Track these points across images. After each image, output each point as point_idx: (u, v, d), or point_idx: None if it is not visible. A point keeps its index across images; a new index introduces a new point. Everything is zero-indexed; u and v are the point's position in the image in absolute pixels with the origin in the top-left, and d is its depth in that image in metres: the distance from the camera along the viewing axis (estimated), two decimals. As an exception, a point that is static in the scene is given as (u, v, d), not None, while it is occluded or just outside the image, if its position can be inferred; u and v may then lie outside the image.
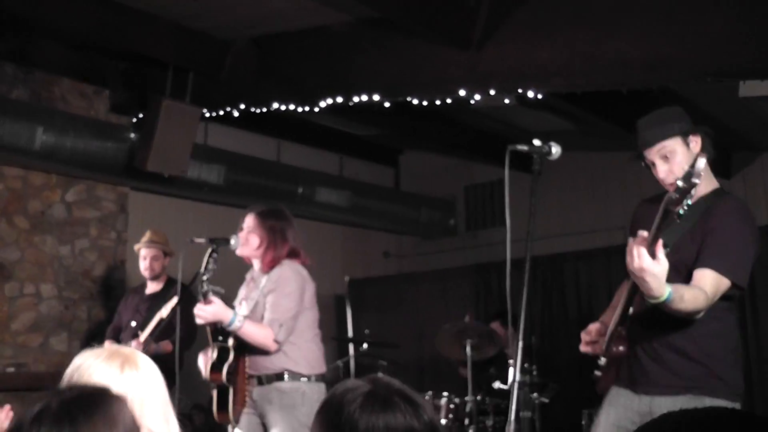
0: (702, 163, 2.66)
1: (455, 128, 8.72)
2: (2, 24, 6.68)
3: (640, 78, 5.35)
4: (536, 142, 3.31)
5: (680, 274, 3.22)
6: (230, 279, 4.90)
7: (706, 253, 3.21)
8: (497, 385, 6.38)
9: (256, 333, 4.42)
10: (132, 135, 7.19)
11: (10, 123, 6.48)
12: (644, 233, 2.91)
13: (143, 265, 6.53)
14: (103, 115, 7.72)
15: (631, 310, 3.26)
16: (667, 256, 2.90)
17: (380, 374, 1.75)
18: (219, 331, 4.48)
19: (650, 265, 2.85)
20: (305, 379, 4.52)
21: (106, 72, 7.66)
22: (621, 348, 3.35)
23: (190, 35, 6.56)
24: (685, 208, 2.70)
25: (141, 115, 7.26)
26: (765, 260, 7.35)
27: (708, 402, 3.14)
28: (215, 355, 4.47)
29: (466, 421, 6.56)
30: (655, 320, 3.27)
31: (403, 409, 1.59)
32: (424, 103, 6.56)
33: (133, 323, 6.27)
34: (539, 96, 5.96)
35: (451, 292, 9.62)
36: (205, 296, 4.34)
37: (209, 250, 4.53)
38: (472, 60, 5.81)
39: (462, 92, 5.96)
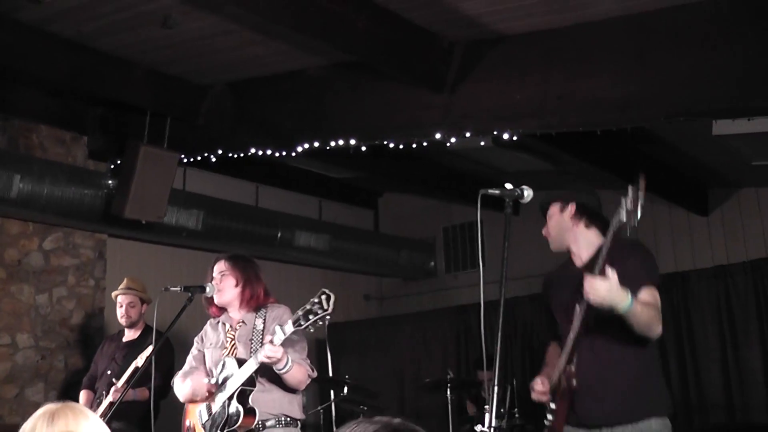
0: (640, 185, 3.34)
1: (433, 170, 8.76)
2: (-22, 72, 6.69)
3: (613, 118, 5.39)
4: (508, 186, 3.36)
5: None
6: (201, 325, 4.88)
7: (628, 280, 3.54)
8: (478, 429, 6.33)
9: (298, 372, 4.38)
10: (110, 181, 7.18)
11: (-13, 171, 6.46)
12: (587, 278, 3.47)
13: (119, 312, 6.47)
14: (81, 161, 7.70)
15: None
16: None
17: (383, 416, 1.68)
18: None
19: (603, 283, 3.41)
20: (294, 424, 4.49)
21: (83, 118, 7.66)
22: (574, 382, 3.67)
23: (167, 81, 6.58)
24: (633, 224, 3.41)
25: (119, 161, 7.24)
26: (745, 296, 7.48)
27: (646, 424, 3.62)
28: (235, 399, 4.38)
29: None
30: (596, 358, 3.70)
31: None
32: (401, 146, 6.58)
33: (109, 372, 6.19)
34: (514, 137, 5.99)
35: (431, 334, 9.59)
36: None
37: (187, 299, 4.53)
38: (446, 102, 5.84)
39: (437, 135, 5.99)
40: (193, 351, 4.80)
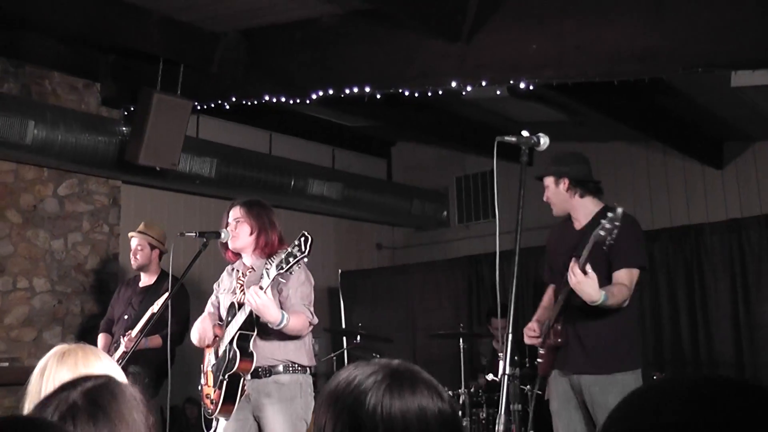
0: (619, 212, 3.80)
1: (447, 119, 8.71)
2: (-8, 18, 6.66)
3: (631, 69, 5.34)
4: (524, 134, 3.36)
5: (601, 274, 4.08)
6: (218, 274, 4.91)
7: (616, 258, 4.21)
8: (490, 377, 6.40)
9: (296, 322, 4.39)
10: (123, 128, 7.19)
11: (2, 117, 6.48)
12: (576, 260, 3.94)
13: (130, 254, 6.51)
14: (94, 108, 7.70)
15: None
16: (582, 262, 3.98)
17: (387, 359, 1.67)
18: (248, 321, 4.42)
19: (583, 279, 3.92)
20: (302, 370, 4.52)
21: (96, 65, 7.64)
22: (559, 340, 4.32)
23: (180, 28, 6.54)
24: (608, 242, 3.86)
25: (132, 109, 7.23)
26: (759, 250, 7.46)
27: (617, 377, 4.17)
28: (234, 343, 4.42)
29: (460, 414, 6.57)
30: (579, 319, 4.25)
31: (428, 391, 1.55)
32: (416, 94, 6.54)
33: (126, 316, 6.25)
34: (530, 87, 5.95)
35: (443, 283, 9.62)
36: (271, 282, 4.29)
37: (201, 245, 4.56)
38: (462, 52, 5.79)
39: (453, 84, 5.95)
40: (212, 297, 4.86)
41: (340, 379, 1.60)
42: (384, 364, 1.60)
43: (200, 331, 4.70)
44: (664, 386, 1.12)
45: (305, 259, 4.19)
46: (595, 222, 4.16)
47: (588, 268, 3.92)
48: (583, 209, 4.46)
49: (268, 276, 4.25)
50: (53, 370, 2.13)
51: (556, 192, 4.49)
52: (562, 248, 4.47)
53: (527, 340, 4.55)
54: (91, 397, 1.69)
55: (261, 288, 4.24)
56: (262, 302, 4.22)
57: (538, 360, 4.56)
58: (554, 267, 4.56)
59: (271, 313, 4.26)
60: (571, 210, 4.51)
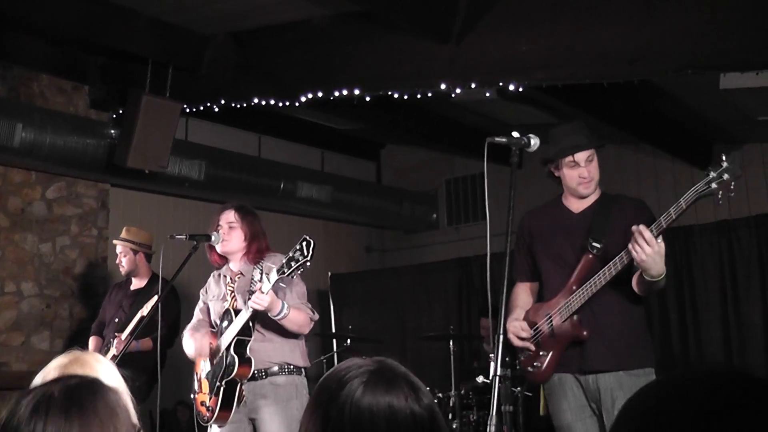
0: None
1: (436, 122, 8.71)
2: (-21, 20, 6.63)
3: (620, 71, 5.35)
4: (515, 134, 3.35)
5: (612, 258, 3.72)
6: (206, 275, 4.90)
7: None
8: (480, 379, 6.39)
9: (298, 316, 4.43)
10: (112, 131, 7.16)
11: (-11, 120, 6.44)
12: (642, 228, 3.46)
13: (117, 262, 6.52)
14: (83, 111, 7.68)
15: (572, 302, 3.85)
16: (602, 248, 3.77)
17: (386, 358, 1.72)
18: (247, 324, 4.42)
19: (659, 249, 3.47)
20: (297, 372, 4.54)
21: (85, 67, 7.61)
22: (585, 333, 3.82)
23: (169, 30, 6.52)
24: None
25: (121, 111, 7.21)
26: (748, 251, 7.48)
27: (637, 372, 3.78)
28: (232, 349, 4.41)
29: (450, 416, 6.56)
30: (600, 312, 3.84)
31: (405, 391, 1.58)
32: (405, 96, 6.54)
33: (116, 319, 6.24)
34: (520, 89, 5.95)
35: (433, 286, 9.62)
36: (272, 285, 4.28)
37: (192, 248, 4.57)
38: (452, 53, 5.79)
39: (443, 86, 5.95)
40: (200, 304, 4.85)
41: (329, 372, 1.66)
42: (371, 362, 1.64)
43: (195, 347, 4.68)
44: (669, 385, 1.12)
45: (308, 264, 4.20)
46: (603, 206, 3.95)
47: (660, 239, 3.52)
48: (594, 192, 4.07)
49: (269, 280, 4.27)
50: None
51: (597, 167, 4.02)
52: (561, 234, 4.03)
53: (517, 341, 4.03)
54: (69, 392, 1.69)
55: (262, 292, 4.25)
56: (268, 304, 4.25)
57: (536, 364, 4.00)
58: (543, 257, 4.11)
59: (275, 307, 4.29)
60: (579, 197, 4.05)
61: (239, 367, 4.38)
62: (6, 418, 1.65)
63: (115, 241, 6.56)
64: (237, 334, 4.40)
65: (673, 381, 1.13)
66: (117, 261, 6.49)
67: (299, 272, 4.26)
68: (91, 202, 7.83)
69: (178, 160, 7.58)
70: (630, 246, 3.50)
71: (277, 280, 4.24)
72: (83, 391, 1.70)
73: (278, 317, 4.32)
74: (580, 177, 3.96)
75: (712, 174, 3.49)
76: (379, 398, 1.55)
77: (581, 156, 3.95)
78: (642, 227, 3.47)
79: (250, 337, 4.44)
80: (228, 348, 4.44)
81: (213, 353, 4.55)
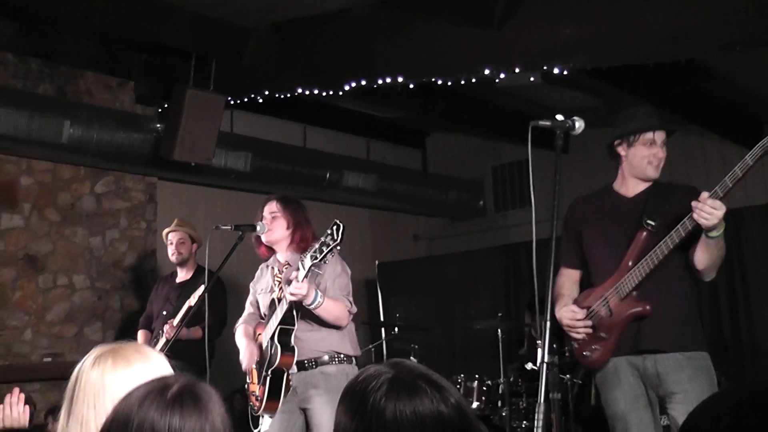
0: None
1: (481, 108, 8.66)
2: (27, 20, 6.73)
3: (666, 51, 5.26)
4: (559, 117, 3.30)
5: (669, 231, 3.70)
6: (253, 266, 4.92)
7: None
8: (529, 366, 6.36)
9: (334, 307, 4.42)
10: (158, 125, 7.23)
11: (38, 118, 6.55)
12: (706, 193, 3.51)
13: (170, 250, 6.56)
14: (129, 106, 7.76)
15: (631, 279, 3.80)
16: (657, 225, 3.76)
17: (402, 359, 1.69)
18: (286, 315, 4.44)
19: (721, 204, 3.50)
20: (348, 361, 4.54)
21: (129, 64, 7.69)
22: (648, 308, 3.75)
23: (211, 23, 6.55)
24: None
25: (166, 105, 7.27)
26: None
27: (696, 355, 3.75)
28: (276, 338, 4.44)
29: (499, 403, 6.54)
30: (657, 292, 3.76)
31: (429, 393, 1.55)
32: (449, 83, 6.50)
33: (164, 312, 6.31)
34: (564, 73, 5.88)
35: (480, 273, 9.59)
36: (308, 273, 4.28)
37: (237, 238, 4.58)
38: (494, 38, 5.74)
39: (486, 71, 5.90)
40: (250, 297, 4.89)
41: (354, 378, 1.68)
42: (389, 366, 1.63)
43: (245, 353, 4.72)
44: (744, 393, 1.11)
45: (338, 247, 4.17)
46: (656, 191, 3.92)
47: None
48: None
49: (303, 267, 4.25)
50: (84, 377, 2.13)
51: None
52: (613, 218, 3.96)
53: (579, 326, 3.93)
54: (188, 387, 1.73)
55: (297, 280, 4.25)
56: (303, 292, 4.24)
57: (594, 347, 3.91)
58: (593, 242, 4.03)
59: (309, 296, 4.28)
60: (645, 178, 3.99)
61: (282, 356, 4.39)
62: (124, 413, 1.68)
63: (171, 229, 6.61)
64: (279, 323, 4.42)
65: (748, 390, 1.11)
66: (172, 250, 6.54)
67: (332, 256, 4.23)
68: (139, 196, 7.92)
69: (223, 152, 7.62)
70: (696, 215, 3.50)
71: (311, 266, 4.23)
72: (196, 387, 1.73)
73: (312, 306, 4.31)
74: (655, 156, 3.92)
75: None
76: (402, 406, 1.53)
77: (659, 136, 3.93)
78: (707, 198, 3.49)
79: (294, 326, 4.44)
80: (272, 337, 4.45)
81: (261, 342, 4.59)
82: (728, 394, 1.14)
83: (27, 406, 3.16)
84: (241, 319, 4.88)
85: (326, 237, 4.17)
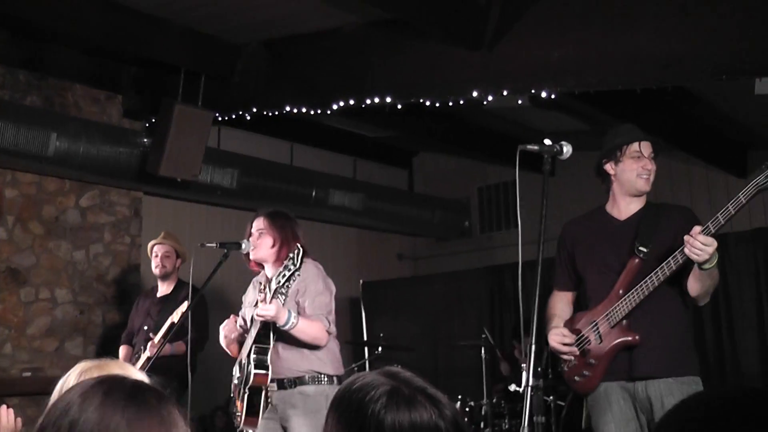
0: None
1: (468, 129, 8.70)
2: (16, 31, 6.71)
3: (654, 77, 5.29)
4: (547, 142, 3.32)
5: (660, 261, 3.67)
6: (239, 284, 4.91)
7: None
8: (512, 387, 6.35)
9: (309, 327, 4.41)
10: (145, 140, 7.21)
11: (25, 129, 6.53)
12: (698, 234, 3.40)
13: (154, 263, 6.54)
14: (116, 120, 7.74)
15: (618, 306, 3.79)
16: (649, 252, 3.74)
17: (397, 368, 1.68)
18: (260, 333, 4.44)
19: (712, 240, 3.39)
20: (329, 381, 4.51)
21: (118, 77, 7.68)
22: (637, 337, 3.74)
23: (201, 39, 6.56)
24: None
25: (153, 120, 7.26)
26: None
27: (687, 380, 3.72)
28: (251, 356, 4.43)
29: (482, 425, 6.52)
30: (650, 318, 3.75)
31: (428, 408, 1.55)
32: (437, 104, 6.52)
33: (145, 327, 6.28)
34: (552, 96, 5.92)
35: (465, 293, 9.59)
36: (274, 295, 4.32)
37: (222, 255, 4.57)
38: (484, 60, 5.77)
39: (475, 93, 5.93)
40: (241, 310, 4.87)
41: (347, 385, 1.64)
42: (385, 376, 1.62)
43: (222, 337, 4.73)
44: (719, 396, 1.10)
45: (297, 274, 4.25)
46: (649, 213, 3.89)
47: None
48: (641, 198, 4.00)
49: (270, 290, 4.31)
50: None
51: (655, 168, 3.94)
52: (605, 241, 3.94)
53: (564, 349, 3.91)
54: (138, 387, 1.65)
55: (265, 301, 4.31)
56: (271, 314, 4.27)
57: (585, 373, 3.90)
58: (586, 265, 4.01)
59: (280, 317, 4.30)
60: (636, 193, 3.96)
61: (255, 375, 4.39)
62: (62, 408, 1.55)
63: (156, 242, 6.58)
64: (254, 342, 4.42)
65: (723, 392, 1.10)
66: (156, 262, 6.52)
67: (293, 281, 4.30)
68: (124, 210, 7.89)
69: (210, 169, 7.61)
70: (687, 251, 3.44)
71: (275, 291, 4.27)
72: (150, 393, 1.65)
73: (285, 327, 4.32)
74: (643, 168, 3.88)
75: None
76: (401, 417, 1.53)
77: (646, 147, 3.90)
78: (698, 233, 3.41)
79: (268, 344, 4.43)
80: (248, 354, 4.45)
81: (241, 357, 4.57)
82: (703, 397, 1.14)
83: (19, 418, 3.14)
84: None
85: (288, 261, 4.24)
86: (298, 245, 4.23)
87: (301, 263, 4.21)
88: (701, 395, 1.14)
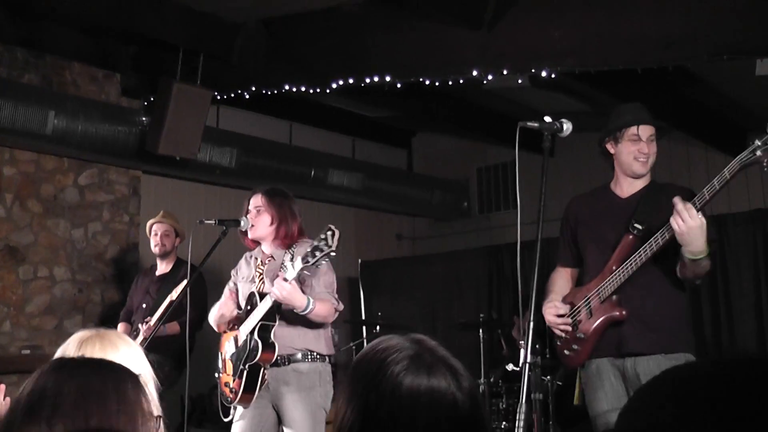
0: None
1: (468, 109, 8.67)
2: (14, 9, 6.67)
3: (654, 57, 5.27)
4: (547, 119, 3.30)
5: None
6: (235, 260, 4.91)
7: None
8: (510, 367, 6.37)
9: (322, 308, 4.36)
10: (143, 118, 7.20)
11: (23, 107, 6.51)
12: (684, 203, 3.39)
13: (153, 242, 6.53)
14: (115, 98, 7.72)
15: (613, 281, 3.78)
16: (645, 229, 3.69)
17: (424, 336, 1.70)
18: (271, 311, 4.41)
19: (701, 223, 3.38)
20: (321, 359, 4.51)
21: (116, 56, 7.65)
22: (624, 312, 3.73)
23: (200, 18, 6.53)
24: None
25: (152, 99, 7.24)
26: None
27: (678, 356, 3.69)
28: (256, 333, 4.41)
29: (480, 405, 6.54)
30: (640, 294, 3.75)
31: (447, 377, 1.57)
32: (437, 83, 6.50)
33: (144, 305, 6.29)
34: (552, 76, 5.89)
35: (464, 273, 9.60)
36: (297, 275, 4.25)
37: (221, 233, 4.56)
38: (484, 40, 5.75)
39: (474, 72, 5.91)
40: (229, 283, 4.85)
41: (372, 345, 1.66)
42: (411, 342, 1.64)
43: (219, 310, 4.72)
44: (707, 364, 1.09)
45: (333, 254, 4.14)
46: (651, 192, 3.88)
47: (700, 213, 3.42)
48: (644, 177, 3.99)
49: (293, 268, 4.22)
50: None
51: (656, 149, 3.94)
52: (601, 224, 3.95)
53: (555, 320, 3.93)
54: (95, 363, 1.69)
55: (285, 280, 4.23)
56: (288, 293, 4.21)
57: (575, 347, 3.92)
58: (586, 242, 4.02)
59: (297, 300, 4.24)
60: (633, 175, 3.95)
61: (263, 352, 4.37)
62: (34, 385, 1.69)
63: (156, 221, 6.57)
64: (261, 319, 4.39)
65: (712, 361, 1.09)
66: (156, 241, 6.51)
67: (324, 261, 4.22)
68: (123, 189, 7.88)
69: (209, 148, 7.60)
70: (671, 219, 3.43)
71: (302, 268, 4.21)
72: (107, 368, 1.70)
73: (304, 313, 4.29)
74: (640, 152, 3.88)
75: (757, 142, 3.44)
76: (419, 382, 1.54)
77: (645, 131, 3.89)
78: (682, 200, 3.42)
79: (275, 322, 4.41)
80: (252, 332, 4.43)
81: (237, 333, 4.56)
82: (690, 365, 1.12)
83: (8, 398, 3.14)
84: (217, 304, 4.84)
85: (320, 241, 4.13)
86: (331, 227, 4.16)
87: (336, 245, 4.10)
88: (672, 371, 1.12)
